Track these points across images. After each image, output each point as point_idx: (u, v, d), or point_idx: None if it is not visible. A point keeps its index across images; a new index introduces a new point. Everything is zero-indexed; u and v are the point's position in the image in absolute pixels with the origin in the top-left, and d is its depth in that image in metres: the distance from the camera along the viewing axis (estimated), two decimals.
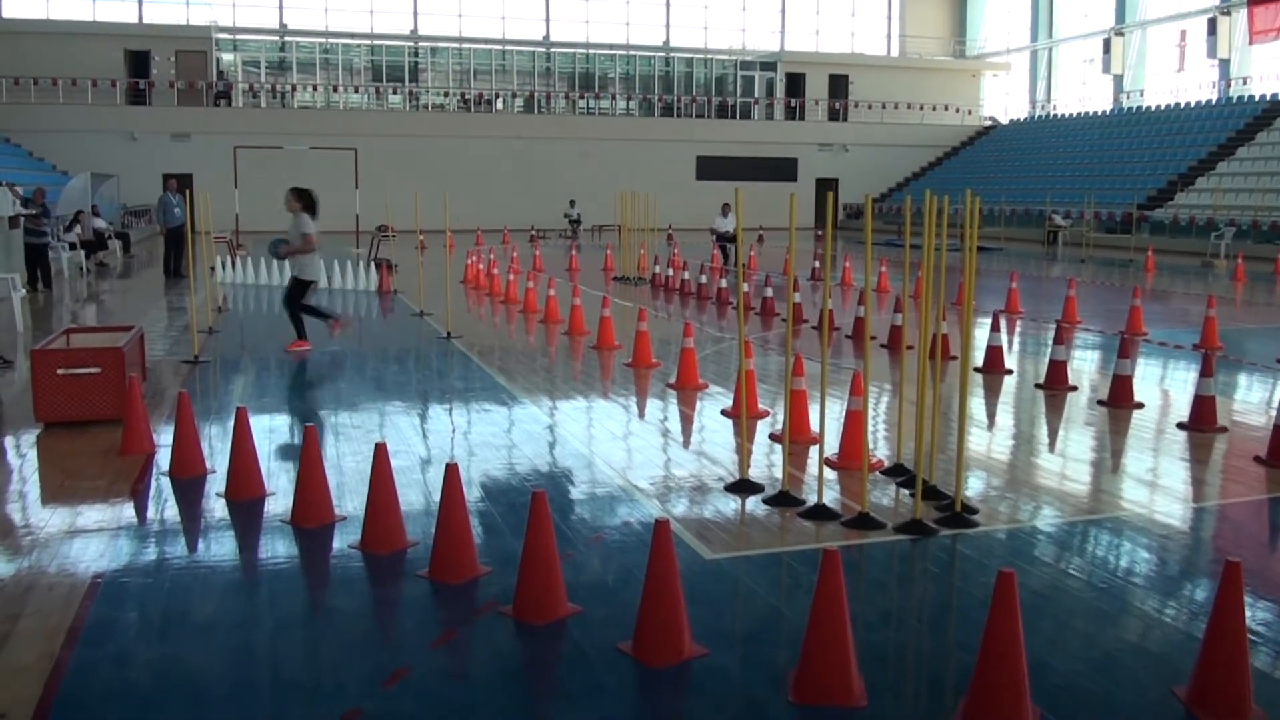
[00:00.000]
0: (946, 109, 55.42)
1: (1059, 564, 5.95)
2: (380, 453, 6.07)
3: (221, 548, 6.29)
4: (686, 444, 9.01)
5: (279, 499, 6.96)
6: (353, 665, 4.64)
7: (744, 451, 7.74)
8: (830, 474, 7.54)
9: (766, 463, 7.98)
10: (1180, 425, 9.29)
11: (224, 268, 22.04)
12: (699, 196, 45.29)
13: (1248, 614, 4.54)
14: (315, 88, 48.94)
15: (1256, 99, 41.23)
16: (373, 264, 21.74)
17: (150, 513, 6.88)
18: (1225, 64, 44.30)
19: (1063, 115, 52.30)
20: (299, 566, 6.01)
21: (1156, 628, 5.12)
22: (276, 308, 17.42)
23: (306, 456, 6.51)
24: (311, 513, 6.48)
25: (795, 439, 8.18)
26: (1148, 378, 11.74)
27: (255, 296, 19.71)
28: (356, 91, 49.81)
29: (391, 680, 4.48)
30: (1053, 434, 9.39)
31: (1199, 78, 46.10)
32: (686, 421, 9.74)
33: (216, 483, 7.32)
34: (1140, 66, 49.57)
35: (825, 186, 47.67)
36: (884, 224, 42.52)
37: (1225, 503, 7.42)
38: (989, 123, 56.22)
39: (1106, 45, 49.07)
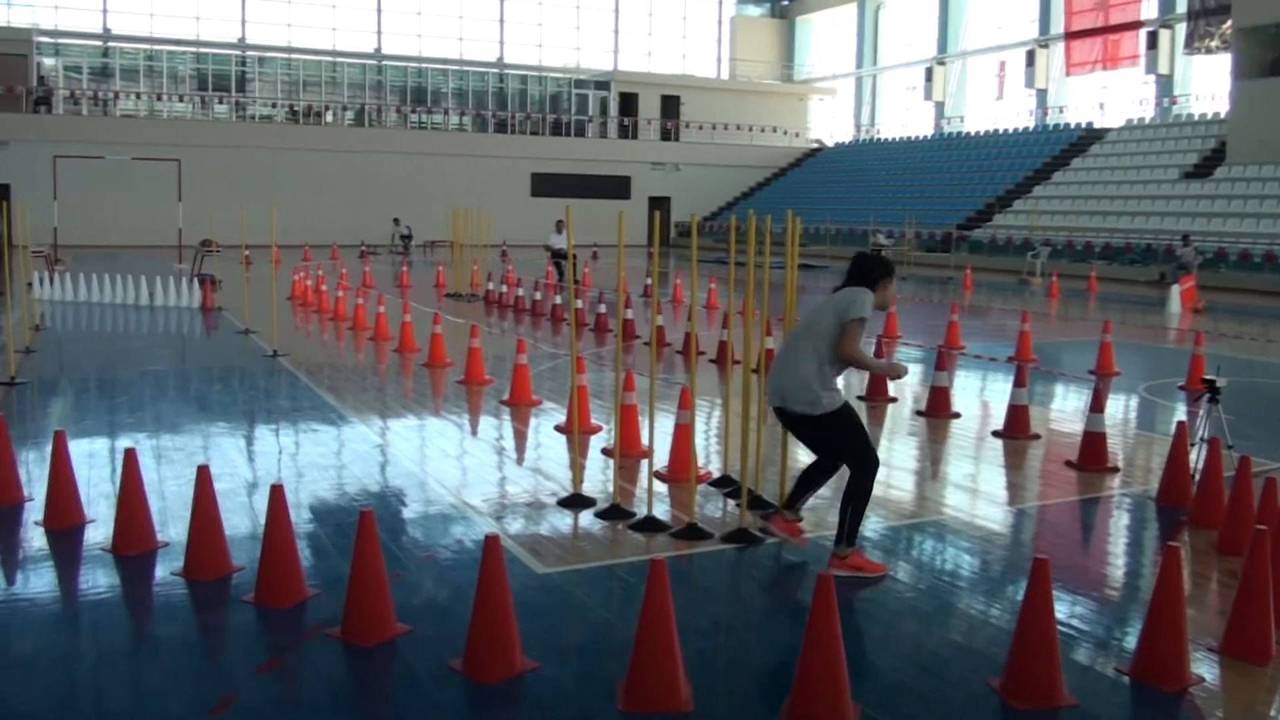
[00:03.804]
0: (775, 131, 56.80)
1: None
2: (203, 475, 5.92)
3: (40, 579, 6.04)
4: (520, 460, 9.04)
5: (99, 526, 6.71)
6: (178, 695, 4.53)
7: (577, 466, 7.83)
8: (660, 486, 7.67)
9: (600, 477, 8.08)
10: (996, 433, 9.78)
11: (42, 284, 20.99)
12: (534, 213, 45.28)
13: (1059, 608, 4.84)
14: (139, 96, 47.18)
15: (1072, 127, 43.61)
16: (195, 280, 21.05)
17: None
18: (1043, 93, 46.68)
19: (886, 139, 54.25)
20: (121, 596, 5.81)
21: (976, 624, 5.39)
22: (98, 326, 16.80)
23: (127, 481, 6.30)
24: (133, 539, 6.27)
25: (626, 453, 8.29)
26: (966, 389, 12.29)
27: (75, 314, 18.86)
28: (181, 100, 48.21)
29: (219, 709, 4.39)
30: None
31: (1018, 106, 48.48)
32: (520, 438, 9.76)
33: (34, 510, 7.01)
34: (961, 94, 51.85)
35: (658, 205, 48.33)
36: (714, 242, 43.27)
37: (1040, 504, 7.87)
38: (816, 145, 57.87)
39: (929, 73, 51.20)
